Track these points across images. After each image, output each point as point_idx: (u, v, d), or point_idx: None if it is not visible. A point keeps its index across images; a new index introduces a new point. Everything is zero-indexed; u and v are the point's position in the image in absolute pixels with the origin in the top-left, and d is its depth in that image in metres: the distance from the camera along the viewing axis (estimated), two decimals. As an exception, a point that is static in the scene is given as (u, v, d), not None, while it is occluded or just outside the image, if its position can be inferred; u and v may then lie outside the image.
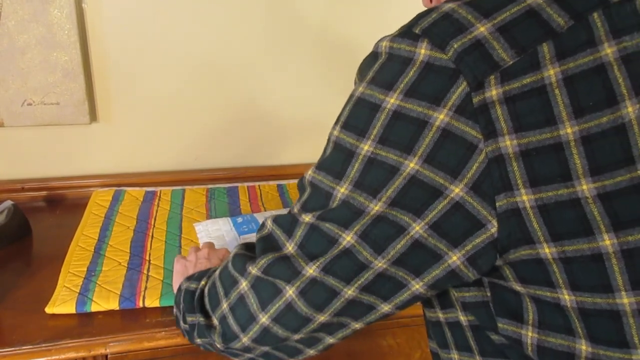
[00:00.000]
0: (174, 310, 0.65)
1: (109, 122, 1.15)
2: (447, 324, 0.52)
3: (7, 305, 0.79)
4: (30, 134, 1.11)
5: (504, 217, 0.39)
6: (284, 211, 0.51)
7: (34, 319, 0.76)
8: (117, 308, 0.78)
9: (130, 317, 0.77)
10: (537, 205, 0.39)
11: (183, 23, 1.10)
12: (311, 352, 0.54)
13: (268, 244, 0.50)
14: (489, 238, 0.41)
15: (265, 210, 0.99)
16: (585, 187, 0.38)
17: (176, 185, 1.17)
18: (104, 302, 0.78)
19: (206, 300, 0.56)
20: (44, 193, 1.13)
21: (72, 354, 0.72)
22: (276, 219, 0.50)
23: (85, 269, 0.85)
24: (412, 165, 0.41)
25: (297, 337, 0.50)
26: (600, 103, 0.37)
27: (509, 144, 0.38)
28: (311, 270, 0.45)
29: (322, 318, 0.48)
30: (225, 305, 0.53)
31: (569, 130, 0.37)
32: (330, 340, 0.52)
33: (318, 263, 0.45)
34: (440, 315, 0.52)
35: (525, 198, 0.39)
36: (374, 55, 0.45)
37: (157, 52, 1.11)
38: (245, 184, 1.19)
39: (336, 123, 0.46)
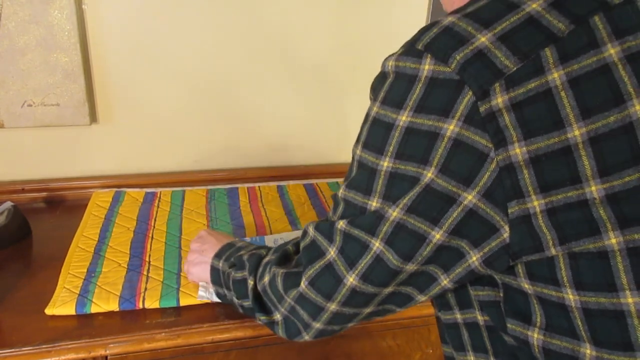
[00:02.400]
0: (214, 287, 0.74)
1: (109, 123, 1.15)
2: (465, 324, 0.53)
3: (7, 307, 0.79)
4: (30, 135, 1.11)
5: (516, 224, 0.40)
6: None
7: (34, 320, 0.76)
8: (117, 309, 0.78)
9: (130, 318, 0.77)
10: (547, 209, 0.39)
11: (183, 25, 1.10)
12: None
13: (313, 252, 0.53)
14: (502, 242, 0.42)
15: (271, 232, 0.99)
16: (594, 189, 0.38)
17: (176, 186, 1.17)
18: (104, 303, 0.78)
19: (265, 300, 0.62)
20: (44, 194, 1.13)
21: (72, 355, 0.71)
22: (317, 226, 0.54)
23: (85, 270, 0.85)
24: (429, 175, 0.42)
25: (349, 325, 0.56)
26: (607, 103, 0.38)
27: (518, 151, 0.39)
28: (352, 279, 0.49)
29: (367, 310, 0.53)
30: (284, 311, 0.58)
31: (576, 132, 0.38)
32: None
33: (357, 271, 0.48)
34: (458, 317, 0.53)
35: (536, 204, 0.39)
36: (382, 75, 0.46)
37: (157, 53, 1.11)
38: (245, 185, 1.19)
39: (357, 142, 0.49)
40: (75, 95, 1.07)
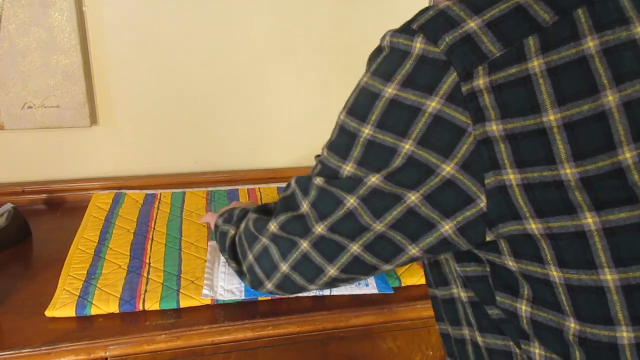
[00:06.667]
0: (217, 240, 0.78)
1: (109, 125, 1.15)
2: (460, 300, 0.55)
3: (7, 309, 0.79)
4: (30, 137, 1.11)
5: (492, 194, 0.43)
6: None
7: (34, 322, 0.76)
8: (117, 311, 0.78)
9: (130, 320, 0.77)
10: (523, 184, 0.42)
11: (183, 26, 1.10)
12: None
13: (289, 203, 0.57)
14: (479, 212, 0.44)
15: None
16: (569, 171, 0.40)
17: (176, 188, 1.17)
18: (104, 305, 0.78)
19: (237, 249, 0.66)
20: (44, 196, 1.13)
21: (72, 357, 0.71)
22: (298, 179, 0.57)
23: (85, 272, 0.85)
24: (407, 146, 0.45)
25: (313, 288, 0.58)
26: (582, 92, 0.40)
27: (495, 128, 0.41)
28: (320, 228, 0.53)
29: (332, 271, 0.55)
30: (250, 257, 0.62)
31: (551, 117, 0.40)
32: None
33: (326, 222, 0.52)
34: (455, 291, 0.55)
35: (512, 177, 0.42)
36: (379, 49, 0.49)
37: (158, 55, 1.11)
38: (246, 187, 1.19)
39: (343, 108, 0.51)
40: (75, 97, 1.07)
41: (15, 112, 1.06)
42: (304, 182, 0.55)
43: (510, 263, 0.45)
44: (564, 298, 0.43)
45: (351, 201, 0.49)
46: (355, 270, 0.54)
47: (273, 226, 0.57)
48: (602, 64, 0.40)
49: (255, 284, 0.63)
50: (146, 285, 0.83)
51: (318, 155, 0.56)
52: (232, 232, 0.69)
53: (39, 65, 1.03)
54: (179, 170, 1.23)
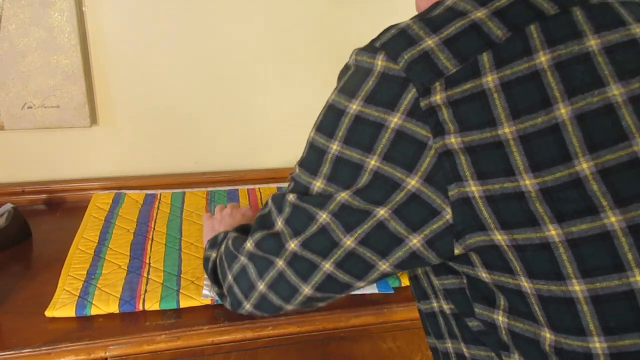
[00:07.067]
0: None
1: (109, 125, 1.15)
2: (441, 312, 0.55)
3: (7, 309, 0.79)
4: (30, 137, 1.11)
5: (457, 205, 0.43)
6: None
7: (34, 322, 0.76)
8: (117, 311, 0.78)
9: (130, 320, 0.77)
10: (485, 195, 0.42)
11: (183, 26, 1.10)
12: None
13: (265, 221, 0.57)
14: (445, 224, 0.45)
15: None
16: (528, 182, 0.41)
17: (176, 188, 1.17)
18: (104, 305, 0.78)
19: (219, 271, 0.65)
20: (44, 196, 1.13)
21: (72, 357, 0.71)
22: (273, 197, 0.57)
23: (85, 272, 0.85)
24: (373, 162, 0.46)
25: (290, 307, 0.58)
26: (535, 105, 0.41)
27: (454, 141, 0.42)
28: (293, 244, 0.53)
29: (307, 290, 0.54)
30: (230, 277, 0.61)
31: (507, 130, 0.41)
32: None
33: (300, 238, 0.52)
34: (435, 305, 0.56)
35: (474, 189, 0.42)
36: (346, 66, 0.51)
37: (158, 55, 1.11)
38: (246, 187, 1.19)
39: (313, 126, 0.53)
40: (75, 97, 1.07)
41: (15, 112, 1.06)
42: (279, 199, 0.56)
43: (484, 275, 0.46)
44: (537, 309, 0.43)
45: (323, 216, 0.50)
46: (329, 288, 0.54)
47: (249, 244, 0.58)
48: (554, 78, 0.41)
49: (234, 305, 0.62)
50: (146, 285, 0.83)
51: (291, 173, 0.57)
52: (213, 255, 0.69)
53: (39, 65, 1.03)
54: (179, 170, 1.23)
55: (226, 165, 1.25)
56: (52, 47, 1.02)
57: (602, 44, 0.41)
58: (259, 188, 1.19)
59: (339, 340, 0.83)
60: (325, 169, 0.49)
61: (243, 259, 0.59)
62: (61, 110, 1.07)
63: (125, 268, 0.87)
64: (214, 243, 0.70)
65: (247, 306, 0.60)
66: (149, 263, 0.89)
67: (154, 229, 1.00)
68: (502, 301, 0.46)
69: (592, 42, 0.41)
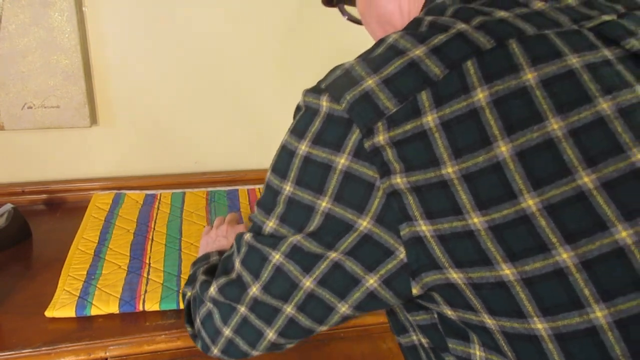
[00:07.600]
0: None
1: (109, 125, 1.15)
2: (421, 346, 0.54)
3: (7, 309, 0.79)
4: (30, 138, 1.11)
5: (410, 244, 0.43)
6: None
7: (34, 323, 0.76)
8: (117, 311, 0.78)
9: (130, 320, 0.77)
10: (437, 235, 0.41)
11: (183, 27, 1.10)
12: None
13: (227, 263, 0.57)
14: (400, 263, 0.44)
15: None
16: (477, 220, 0.40)
17: (176, 188, 1.17)
18: (104, 305, 0.78)
19: (192, 312, 0.64)
20: (44, 196, 1.13)
21: (72, 358, 0.71)
22: (237, 236, 0.56)
23: (85, 273, 0.85)
24: (324, 204, 0.46)
25: (256, 353, 0.56)
26: (476, 144, 0.40)
27: (400, 181, 0.42)
28: (254, 289, 0.52)
29: (271, 334, 0.53)
30: (198, 321, 0.60)
31: (450, 169, 0.40)
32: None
33: (260, 282, 0.52)
34: (415, 338, 0.54)
35: (424, 228, 0.42)
36: (298, 107, 0.50)
37: (157, 55, 1.11)
38: (246, 187, 1.19)
39: (270, 167, 0.53)
40: (75, 97, 1.07)
41: (15, 112, 1.06)
42: (238, 239, 0.56)
43: (449, 312, 0.45)
44: (504, 344, 0.42)
45: (276, 257, 0.50)
46: (292, 333, 0.53)
47: (213, 290, 0.57)
48: (492, 115, 0.40)
49: (204, 348, 0.61)
50: (146, 285, 0.83)
51: (250, 214, 0.57)
52: (189, 294, 0.67)
53: (39, 65, 1.03)
54: (179, 170, 1.23)
55: (226, 165, 1.25)
56: (52, 47, 1.02)
57: (539, 77, 0.40)
58: (259, 188, 1.19)
59: (339, 340, 0.83)
60: (279, 209, 0.49)
61: (209, 304, 0.58)
62: (61, 111, 1.07)
63: (125, 268, 0.87)
64: (192, 279, 0.69)
65: (215, 351, 0.59)
66: (149, 263, 0.89)
67: (154, 229, 1.00)
68: (474, 336, 0.45)
69: (529, 76, 0.40)
